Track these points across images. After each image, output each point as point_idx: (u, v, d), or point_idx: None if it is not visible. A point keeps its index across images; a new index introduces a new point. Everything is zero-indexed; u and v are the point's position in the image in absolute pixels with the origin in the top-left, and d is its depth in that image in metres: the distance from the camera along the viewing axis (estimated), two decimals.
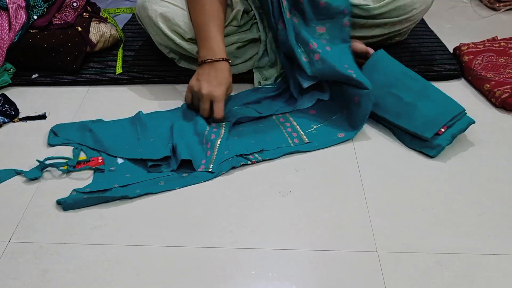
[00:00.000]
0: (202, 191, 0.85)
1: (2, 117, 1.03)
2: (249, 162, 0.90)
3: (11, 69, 1.17)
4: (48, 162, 0.88)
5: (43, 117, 1.05)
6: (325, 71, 0.97)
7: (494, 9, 1.57)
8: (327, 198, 0.83)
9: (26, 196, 0.84)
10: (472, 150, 0.94)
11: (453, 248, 0.74)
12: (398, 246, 0.74)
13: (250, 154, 0.91)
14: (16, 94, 1.13)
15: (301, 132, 0.97)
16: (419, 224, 0.78)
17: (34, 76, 1.19)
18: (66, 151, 0.94)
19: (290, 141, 0.95)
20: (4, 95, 1.10)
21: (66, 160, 0.90)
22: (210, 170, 0.87)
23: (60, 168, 0.88)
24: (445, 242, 0.75)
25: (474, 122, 0.93)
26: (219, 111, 0.96)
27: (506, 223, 0.78)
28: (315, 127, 0.99)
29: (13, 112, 1.05)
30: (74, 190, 0.82)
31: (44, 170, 0.89)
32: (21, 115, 1.06)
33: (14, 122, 1.04)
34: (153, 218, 0.80)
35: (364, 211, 0.81)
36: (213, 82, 0.96)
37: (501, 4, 1.56)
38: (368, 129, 1.00)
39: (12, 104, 1.08)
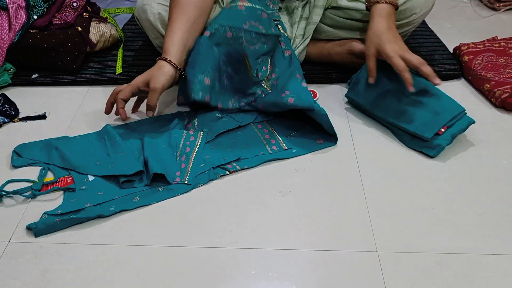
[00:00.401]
0: (202, 191, 0.85)
1: (2, 117, 1.03)
2: (227, 173, 0.88)
3: (11, 69, 1.17)
4: (11, 188, 0.84)
5: (43, 117, 1.05)
6: (267, 108, 0.99)
7: (494, 9, 1.57)
8: (327, 198, 0.83)
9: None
10: (472, 150, 0.94)
11: (453, 248, 0.74)
12: (398, 246, 0.74)
13: (228, 163, 0.89)
14: (16, 94, 1.13)
15: (280, 139, 0.96)
16: (419, 224, 0.78)
17: (34, 76, 1.19)
18: (34, 172, 0.89)
19: (269, 148, 0.93)
20: (4, 95, 1.10)
21: (31, 184, 0.85)
22: (186, 182, 0.86)
23: (25, 194, 0.83)
24: (445, 242, 0.75)
25: (474, 122, 0.93)
26: (120, 88, 0.97)
27: (506, 223, 0.78)
28: (293, 133, 0.97)
29: (13, 112, 1.05)
30: (45, 213, 0.78)
31: (7, 195, 0.83)
32: (21, 115, 1.06)
33: (14, 122, 1.04)
34: (153, 218, 0.80)
35: (364, 211, 0.81)
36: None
37: (501, 4, 1.56)
38: (368, 129, 1.00)
39: (12, 104, 1.08)
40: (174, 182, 0.85)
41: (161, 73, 0.93)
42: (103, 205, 0.81)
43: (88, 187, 0.85)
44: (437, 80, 0.90)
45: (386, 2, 0.99)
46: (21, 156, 0.92)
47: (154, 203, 0.83)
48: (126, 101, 0.98)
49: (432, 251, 0.74)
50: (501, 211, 0.81)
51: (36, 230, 0.76)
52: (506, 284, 0.69)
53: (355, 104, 1.05)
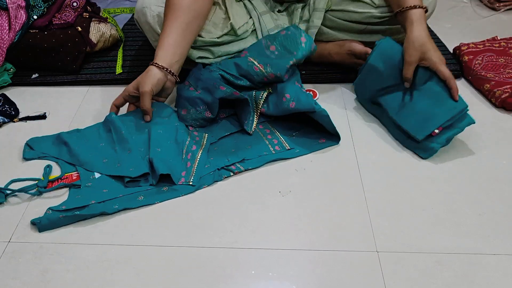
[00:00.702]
0: (202, 191, 0.85)
1: (2, 117, 1.03)
2: (231, 174, 0.88)
3: (11, 69, 1.17)
4: (16, 186, 0.84)
5: (43, 117, 1.05)
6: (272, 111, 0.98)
7: (494, 9, 1.57)
8: (327, 198, 0.83)
9: (26, 196, 0.84)
10: (472, 150, 0.94)
11: (453, 248, 0.74)
12: (398, 246, 0.74)
13: (232, 164, 0.89)
14: (16, 94, 1.13)
15: (282, 139, 0.96)
16: (419, 224, 0.78)
17: (34, 76, 1.19)
18: (35, 171, 0.89)
19: (271, 149, 0.93)
20: (4, 95, 1.10)
21: (36, 181, 0.85)
22: (190, 183, 0.85)
23: (30, 191, 0.83)
24: (445, 242, 0.75)
25: (474, 122, 0.92)
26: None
27: (506, 223, 0.78)
28: (295, 133, 0.97)
29: (13, 112, 1.05)
30: (49, 208, 0.79)
31: (12, 194, 0.84)
32: (21, 115, 1.06)
33: (14, 122, 1.04)
34: (153, 217, 0.80)
35: (364, 211, 0.81)
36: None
37: (501, 4, 1.56)
38: (368, 129, 1.00)
39: (12, 104, 1.08)
40: (179, 183, 0.85)
41: (148, 77, 0.95)
42: (106, 202, 0.81)
43: (93, 184, 0.85)
44: (457, 98, 0.93)
45: (420, 7, 0.98)
46: (33, 149, 0.94)
47: (158, 202, 0.83)
48: (118, 107, 1.00)
49: (432, 251, 0.74)
50: (501, 211, 0.81)
51: (40, 225, 0.77)
52: (506, 284, 0.69)
53: (360, 93, 1.04)
